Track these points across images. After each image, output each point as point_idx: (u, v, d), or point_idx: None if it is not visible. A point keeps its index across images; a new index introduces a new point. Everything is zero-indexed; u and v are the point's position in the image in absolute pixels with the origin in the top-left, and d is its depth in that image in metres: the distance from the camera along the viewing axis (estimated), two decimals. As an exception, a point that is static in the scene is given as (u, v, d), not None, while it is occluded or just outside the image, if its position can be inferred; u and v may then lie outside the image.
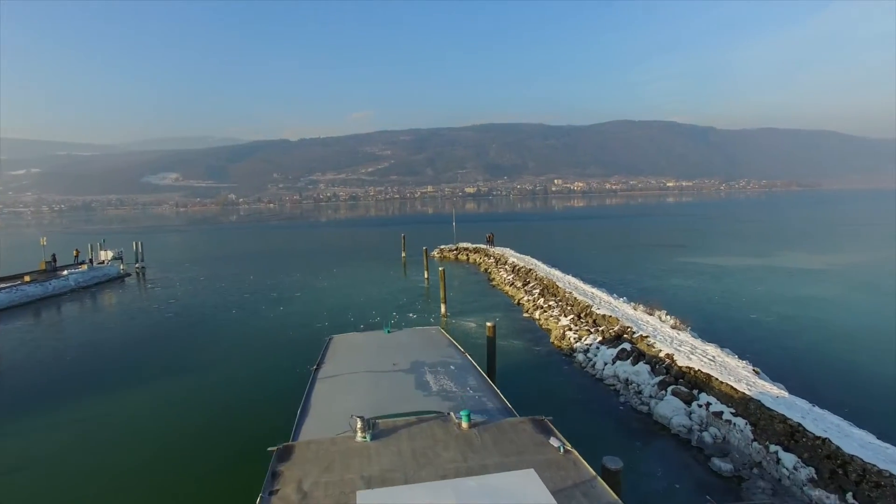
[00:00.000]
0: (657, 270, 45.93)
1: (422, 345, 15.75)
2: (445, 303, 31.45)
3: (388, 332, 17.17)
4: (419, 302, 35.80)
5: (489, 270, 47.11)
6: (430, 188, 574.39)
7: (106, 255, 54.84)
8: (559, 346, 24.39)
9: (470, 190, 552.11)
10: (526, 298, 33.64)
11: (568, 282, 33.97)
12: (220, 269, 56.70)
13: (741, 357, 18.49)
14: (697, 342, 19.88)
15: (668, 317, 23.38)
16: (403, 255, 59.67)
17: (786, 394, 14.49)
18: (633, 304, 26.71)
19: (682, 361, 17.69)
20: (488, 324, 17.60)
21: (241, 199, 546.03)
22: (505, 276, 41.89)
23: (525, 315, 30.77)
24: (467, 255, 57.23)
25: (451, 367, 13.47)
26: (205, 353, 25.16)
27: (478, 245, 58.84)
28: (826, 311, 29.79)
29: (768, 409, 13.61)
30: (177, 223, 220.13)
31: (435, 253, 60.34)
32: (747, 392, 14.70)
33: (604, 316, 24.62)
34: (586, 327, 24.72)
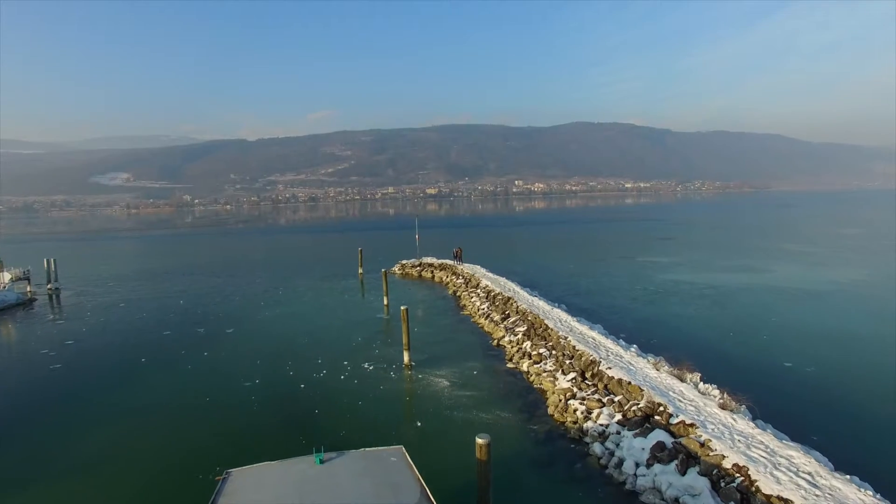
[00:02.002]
0: (649, 293, 40.62)
1: (372, 498, 9.40)
2: (409, 349, 25.10)
3: (320, 461, 10.73)
4: (377, 342, 29.25)
5: (458, 294, 40.94)
6: (390, 189, 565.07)
7: (2, 277, 45.51)
8: (562, 422, 18.32)
9: (431, 191, 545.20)
10: (508, 339, 27.55)
11: (558, 319, 28.01)
12: (147, 290, 48.74)
13: (828, 457, 12.84)
14: (768, 438, 14.02)
15: (711, 387, 17.59)
16: (360, 271, 53.08)
17: None
18: (652, 360, 20.74)
19: (767, 486, 11.80)
20: (479, 440, 11.27)
21: (196, 201, 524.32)
22: (478, 303, 35.77)
23: (510, 365, 24.62)
24: (432, 272, 50.91)
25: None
26: (69, 449, 17.67)
27: (444, 261, 52.59)
28: (869, 355, 24.77)
29: None
30: (127, 226, 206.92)
31: (396, 269, 53.86)
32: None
33: (619, 381, 18.67)
34: (596, 395, 18.76)
